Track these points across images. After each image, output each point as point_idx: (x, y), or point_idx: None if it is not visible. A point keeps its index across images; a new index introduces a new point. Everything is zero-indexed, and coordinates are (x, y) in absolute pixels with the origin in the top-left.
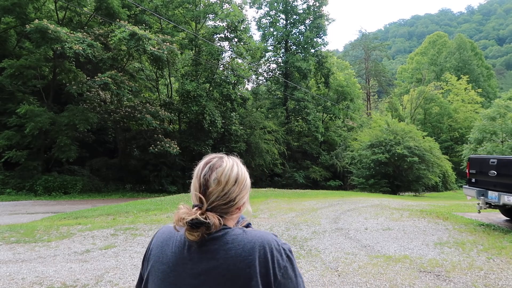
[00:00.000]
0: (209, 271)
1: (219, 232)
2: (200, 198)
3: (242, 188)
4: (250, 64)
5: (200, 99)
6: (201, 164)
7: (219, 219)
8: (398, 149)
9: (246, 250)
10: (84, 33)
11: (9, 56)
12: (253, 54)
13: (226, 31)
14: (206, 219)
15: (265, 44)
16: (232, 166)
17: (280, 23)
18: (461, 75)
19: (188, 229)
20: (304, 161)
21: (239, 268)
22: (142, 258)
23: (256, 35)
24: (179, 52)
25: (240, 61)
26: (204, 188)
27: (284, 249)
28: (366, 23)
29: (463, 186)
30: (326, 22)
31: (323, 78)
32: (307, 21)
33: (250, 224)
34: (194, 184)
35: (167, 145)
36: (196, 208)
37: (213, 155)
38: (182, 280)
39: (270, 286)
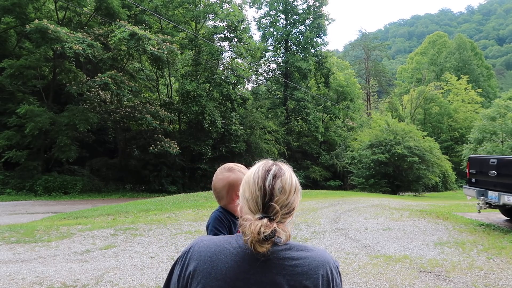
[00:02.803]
0: (274, 286)
1: (282, 245)
2: (265, 208)
3: (299, 196)
4: (250, 64)
5: (200, 99)
6: (259, 171)
7: (288, 231)
8: (398, 149)
9: (311, 268)
10: (84, 33)
11: (9, 56)
12: (253, 54)
13: (226, 31)
14: (284, 231)
15: (265, 44)
16: (291, 174)
17: (280, 23)
18: (461, 75)
19: (260, 241)
20: (304, 161)
21: (305, 285)
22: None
23: (256, 35)
24: (179, 52)
25: (240, 61)
26: (269, 197)
27: (337, 267)
28: (366, 23)
29: (463, 186)
30: (326, 22)
31: (323, 78)
32: (307, 21)
33: None
34: (254, 193)
35: (167, 145)
36: (267, 219)
37: (267, 162)
38: None
39: None
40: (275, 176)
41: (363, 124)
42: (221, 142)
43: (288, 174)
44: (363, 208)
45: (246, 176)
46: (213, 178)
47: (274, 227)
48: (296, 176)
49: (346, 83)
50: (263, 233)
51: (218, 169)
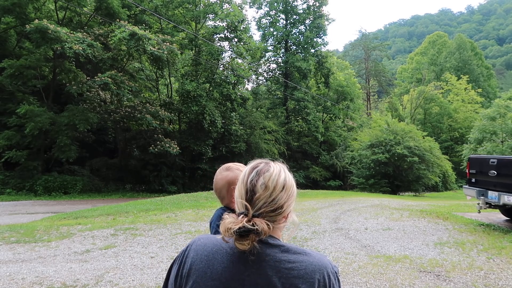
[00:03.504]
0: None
1: (277, 247)
2: (245, 205)
3: (290, 195)
4: (250, 64)
5: (200, 99)
6: (247, 169)
7: (267, 224)
8: (398, 149)
9: (308, 272)
10: (84, 33)
11: (9, 56)
12: (253, 54)
13: (226, 31)
14: (254, 226)
15: (265, 44)
16: (279, 171)
17: (280, 23)
18: (461, 75)
19: (237, 238)
20: (304, 161)
21: None
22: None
23: (256, 35)
24: (179, 52)
25: (240, 61)
26: (250, 194)
27: (336, 272)
28: (366, 23)
29: (463, 186)
30: (326, 22)
31: (323, 78)
32: (307, 21)
33: None
34: (240, 190)
35: (167, 145)
36: (242, 215)
37: (259, 160)
38: None
39: None
40: (258, 173)
41: (363, 124)
42: (221, 142)
43: (276, 171)
44: (363, 208)
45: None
46: (214, 179)
47: (243, 223)
48: (295, 175)
49: (346, 83)
50: (231, 229)
51: (217, 171)
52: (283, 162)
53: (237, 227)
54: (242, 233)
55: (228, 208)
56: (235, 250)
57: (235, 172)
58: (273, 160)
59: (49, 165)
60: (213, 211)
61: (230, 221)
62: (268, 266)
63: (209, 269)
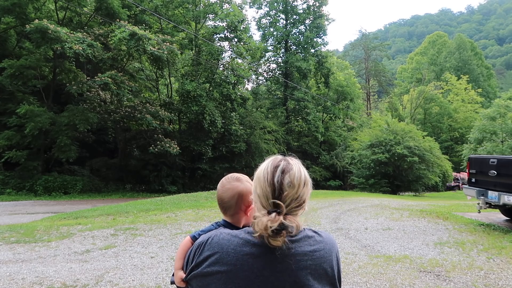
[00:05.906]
0: (297, 272)
1: (299, 234)
2: (276, 203)
3: (309, 189)
4: (250, 64)
5: (200, 99)
6: (268, 168)
7: (297, 221)
8: (398, 149)
9: (327, 251)
10: (84, 33)
11: (9, 56)
12: (253, 54)
13: (226, 31)
14: (291, 223)
15: (265, 44)
16: (299, 168)
17: (280, 23)
18: (461, 75)
19: (272, 235)
20: (304, 161)
21: (323, 268)
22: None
23: (256, 35)
24: (179, 52)
25: (240, 61)
26: (278, 192)
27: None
28: (366, 23)
29: (463, 186)
30: (326, 22)
31: (323, 78)
32: (307, 21)
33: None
34: (264, 189)
35: (167, 145)
36: (275, 213)
37: (275, 157)
38: (271, 281)
39: (339, 278)
40: (283, 172)
41: (363, 124)
42: (221, 142)
43: (297, 168)
44: (363, 208)
45: (257, 173)
46: (218, 188)
47: (281, 221)
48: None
49: (346, 83)
50: (270, 227)
51: (223, 179)
52: (294, 156)
53: (276, 224)
54: (278, 231)
55: (228, 223)
56: (259, 242)
57: (246, 185)
58: (284, 155)
59: (49, 165)
60: (213, 211)
61: (268, 219)
62: (296, 253)
63: (237, 262)
